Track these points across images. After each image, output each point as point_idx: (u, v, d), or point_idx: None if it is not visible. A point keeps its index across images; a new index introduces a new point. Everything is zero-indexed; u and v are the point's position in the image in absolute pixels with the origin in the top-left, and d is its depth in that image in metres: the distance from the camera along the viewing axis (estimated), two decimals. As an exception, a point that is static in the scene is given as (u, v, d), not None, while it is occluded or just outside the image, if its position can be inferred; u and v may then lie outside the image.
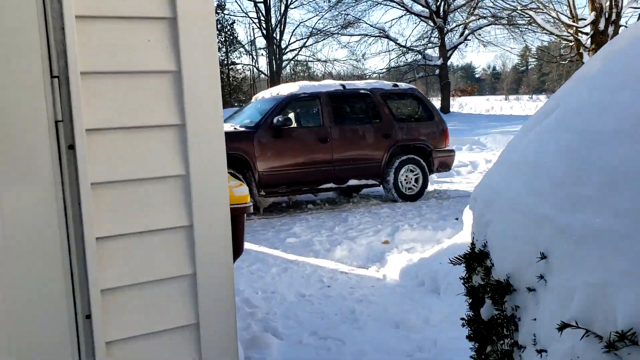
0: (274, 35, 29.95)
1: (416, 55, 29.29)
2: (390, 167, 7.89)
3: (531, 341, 1.36)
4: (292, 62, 32.34)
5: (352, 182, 7.77)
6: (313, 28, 29.89)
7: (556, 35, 20.05)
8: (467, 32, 28.47)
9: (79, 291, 1.74)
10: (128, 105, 1.78)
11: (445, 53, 27.90)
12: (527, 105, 37.92)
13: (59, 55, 1.68)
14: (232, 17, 30.06)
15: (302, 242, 5.72)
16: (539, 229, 1.40)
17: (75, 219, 1.72)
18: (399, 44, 29.61)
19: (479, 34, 28.78)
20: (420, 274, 4.34)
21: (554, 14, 18.74)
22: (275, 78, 28.31)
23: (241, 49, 31.04)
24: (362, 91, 8.01)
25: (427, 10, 27.42)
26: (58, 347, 1.73)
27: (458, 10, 28.78)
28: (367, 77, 29.26)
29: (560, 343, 1.16)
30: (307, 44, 30.68)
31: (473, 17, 27.47)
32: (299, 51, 31.24)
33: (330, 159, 7.53)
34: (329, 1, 28.98)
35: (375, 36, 29.66)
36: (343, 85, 8.08)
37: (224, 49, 28.72)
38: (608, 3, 16.73)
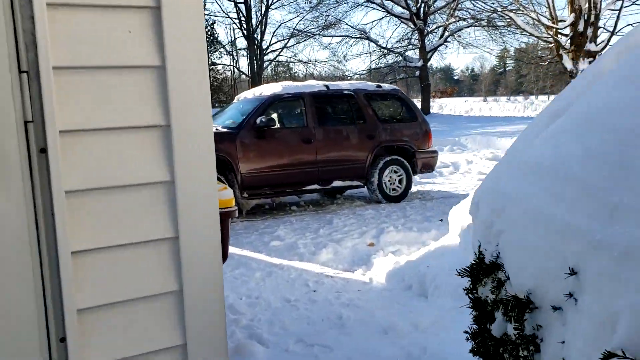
0: (255, 35, 29.82)
1: (397, 56, 29.69)
2: (374, 168, 7.89)
3: (560, 366, 1.23)
4: (274, 62, 32.29)
5: (337, 183, 7.75)
6: (294, 29, 29.98)
7: (536, 37, 20.24)
8: (447, 34, 28.84)
9: (52, 311, 1.56)
10: (107, 104, 1.61)
11: (425, 55, 28.24)
12: (505, 106, 38.43)
13: (28, 47, 1.51)
14: (212, 17, 29.77)
15: (286, 245, 5.64)
16: (566, 241, 1.28)
17: (48, 231, 1.55)
18: (379, 46, 29.95)
19: (459, 36, 29.14)
20: (407, 277, 4.30)
21: (534, 16, 18.91)
22: (256, 79, 28.24)
23: (222, 50, 30.81)
24: (346, 92, 8.01)
25: (408, 12, 27.79)
26: (28, 373, 1.55)
27: (438, 12, 29.22)
28: (349, 78, 29.40)
29: (604, 373, 1.02)
30: (288, 45, 30.69)
31: (453, 19, 27.77)
32: (280, 52, 31.24)
33: (314, 160, 7.49)
34: (310, 2, 29.09)
35: (356, 37, 29.94)
36: (327, 86, 8.07)
37: (203, 49, 28.23)
38: (587, 5, 16.92)
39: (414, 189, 8.78)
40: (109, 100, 1.61)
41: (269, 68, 32.52)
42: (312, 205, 8.03)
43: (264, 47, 30.50)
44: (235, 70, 31.60)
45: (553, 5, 18.41)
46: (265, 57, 30.83)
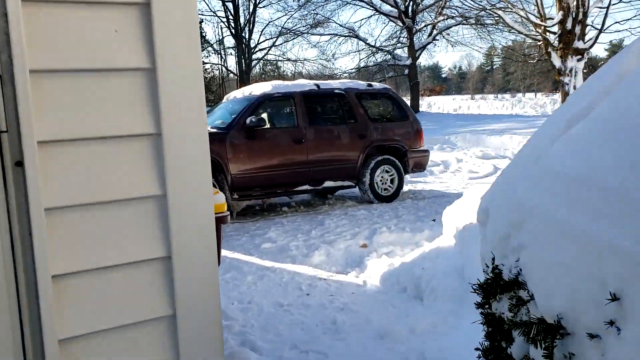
0: (243, 34, 29.66)
1: (385, 55, 29.87)
2: (366, 167, 7.85)
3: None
4: (262, 61, 32.09)
5: (328, 183, 7.70)
6: (282, 27, 29.89)
7: (524, 35, 20.30)
8: (435, 32, 28.94)
9: (31, 342, 1.41)
10: (90, 111, 1.45)
11: (414, 53, 28.35)
12: (493, 104, 38.69)
13: (1, 48, 1.35)
14: (200, 15, 29.50)
15: (278, 247, 5.57)
16: (605, 262, 1.16)
17: (26, 253, 1.40)
18: (368, 44, 30.06)
19: (447, 34, 29.26)
20: (402, 280, 4.24)
21: (522, 13, 18.95)
22: (244, 78, 28.12)
23: (209, 48, 30.53)
24: (337, 91, 7.96)
25: (396, 10, 27.89)
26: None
27: (426, 10, 29.36)
28: (338, 76, 29.36)
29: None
30: (276, 44, 30.59)
31: (441, 17, 27.82)
32: (269, 50, 31.10)
33: (306, 160, 7.43)
34: (298, 0, 29.02)
35: (345, 36, 30.02)
36: (317, 85, 8.01)
37: (191, 48, 27.96)
38: (575, 3, 16.98)
39: (405, 188, 8.79)
40: (93, 107, 1.45)
41: (258, 67, 32.37)
42: (303, 206, 7.97)
43: (252, 45, 30.43)
44: (224, 69, 31.42)
45: (541, 3, 18.47)
46: (254, 56, 30.74)
